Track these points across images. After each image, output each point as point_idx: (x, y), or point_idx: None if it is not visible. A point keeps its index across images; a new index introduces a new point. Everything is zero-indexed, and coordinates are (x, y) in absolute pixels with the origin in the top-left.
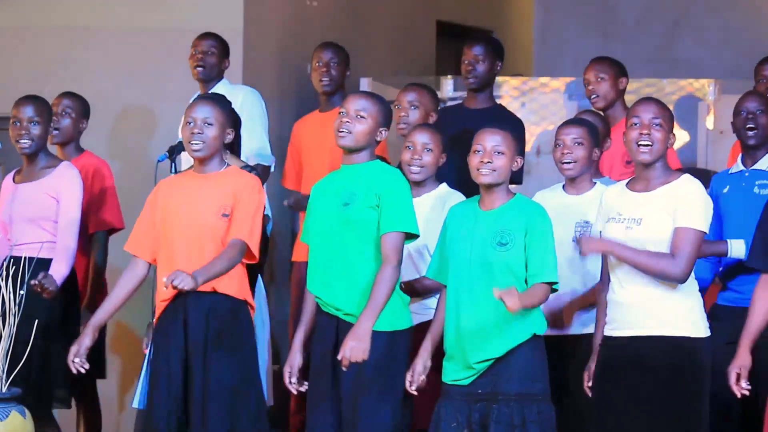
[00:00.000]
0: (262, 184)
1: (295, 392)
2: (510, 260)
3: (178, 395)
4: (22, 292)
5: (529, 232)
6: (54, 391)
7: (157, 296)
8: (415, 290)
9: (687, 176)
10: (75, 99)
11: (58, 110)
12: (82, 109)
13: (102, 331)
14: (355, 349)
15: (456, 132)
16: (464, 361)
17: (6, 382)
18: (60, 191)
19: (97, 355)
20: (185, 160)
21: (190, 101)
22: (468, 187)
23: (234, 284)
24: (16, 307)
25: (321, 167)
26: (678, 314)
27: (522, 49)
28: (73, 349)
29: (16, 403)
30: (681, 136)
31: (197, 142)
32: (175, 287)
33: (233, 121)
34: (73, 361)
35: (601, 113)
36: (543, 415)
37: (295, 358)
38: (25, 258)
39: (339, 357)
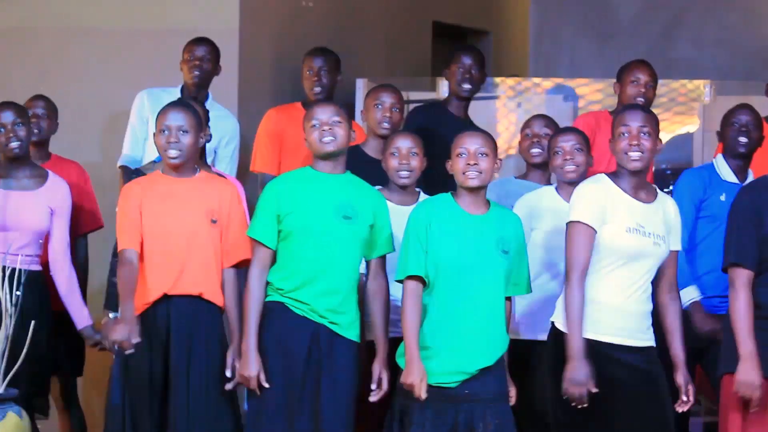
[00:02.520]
0: None
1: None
2: (508, 268)
3: (158, 397)
4: (18, 293)
5: (518, 242)
6: (36, 398)
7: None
8: None
9: (660, 191)
10: (47, 101)
11: (38, 112)
12: (54, 111)
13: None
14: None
15: (430, 133)
16: (456, 364)
17: (2, 383)
18: (56, 207)
19: (77, 352)
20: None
21: (164, 106)
22: (435, 189)
23: (218, 290)
24: (13, 308)
25: (297, 161)
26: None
27: (518, 50)
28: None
29: (13, 403)
30: (676, 138)
31: (174, 150)
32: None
33: (205, 121)
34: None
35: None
36: (510, 414)
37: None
38: (19, 270)
39: (373, 386)
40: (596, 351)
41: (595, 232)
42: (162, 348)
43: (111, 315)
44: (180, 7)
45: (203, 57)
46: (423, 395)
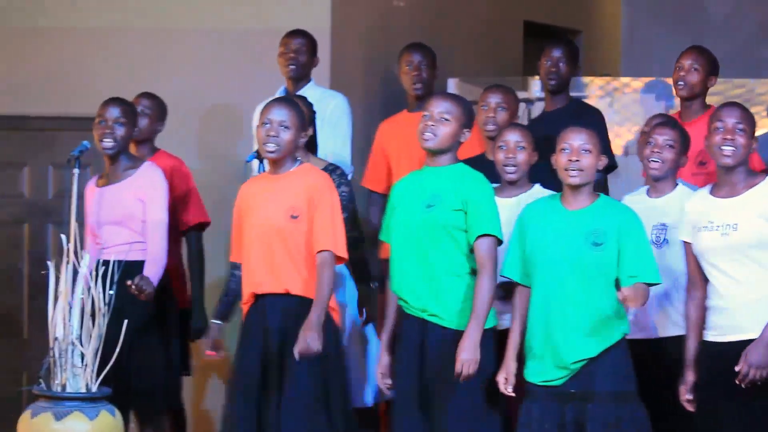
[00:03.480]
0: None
1: (387, 392)
2: (604, 260)
3: (255, 398)
4: (111, 292)
5: (623, 233)
6: (159, 392)
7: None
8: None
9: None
10: (153, 99)
11: (136, 109)
12: (160, 110)
13: (186, 328)
14: (467, 362)
15: (541, 137)
16: (556, 361)
17: (96, 382)
18: (145, 192)
19: (184, 353)
20: None
21: (269, 100)
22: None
23: (308, 285)
24: (106, 307)
25: (411, 168)
26: None
27: (609, 49)
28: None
29: (106, 402)
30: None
31: (272, 144)
32: (302, 353)
33: (310, 121)
34: None
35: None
36: (636, 413)
37: (384, 359)
38: (113, 261)
39: (456, 373)
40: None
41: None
42: (258, 346)
43: (216, 322)
44: (271, 7)
45: (298, 49)
46: (507, 391)
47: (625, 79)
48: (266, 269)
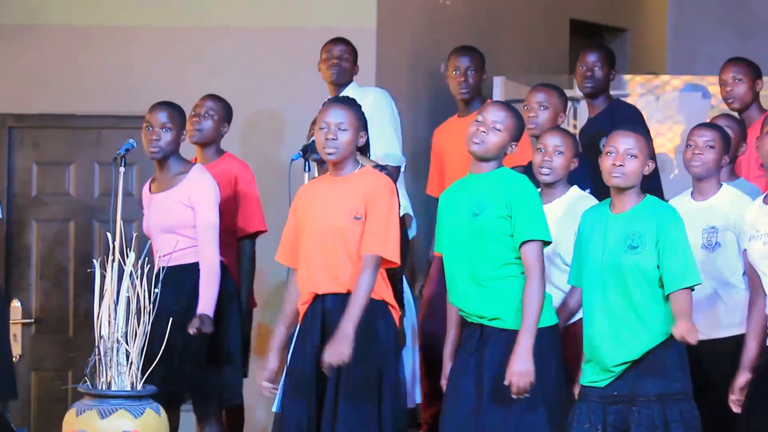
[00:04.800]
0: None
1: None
2: (641, 263)
3: (312, 397)
4: (156, 290)
5: (662, 235)
6: (218, 390)
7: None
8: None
9: None
10: (219, 102)
11: (201, 111)
12: (225, 112)
13: (247, 329)
14: (518, 375)
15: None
16: (600, 364)
17: (141, 380)
18: (193, 198)
19: (243, 354)
20: None
21: (322, 105)
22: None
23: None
24: (151, 306)
25: (463, 173)
26: None
27: (655, 48)
28: (264, 375)
29: (151, 400)
30: None
31: (331, 147)
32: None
33: (365, 123)
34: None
35: (738, 116)
36: (685, 414)
37: (446, 368)
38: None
39: (506, 382)
40: None
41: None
42: (315, 346)
43: None
44: (318, 7)
45: (341, 56)
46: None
47: (667, 78)
48: (328, 270)
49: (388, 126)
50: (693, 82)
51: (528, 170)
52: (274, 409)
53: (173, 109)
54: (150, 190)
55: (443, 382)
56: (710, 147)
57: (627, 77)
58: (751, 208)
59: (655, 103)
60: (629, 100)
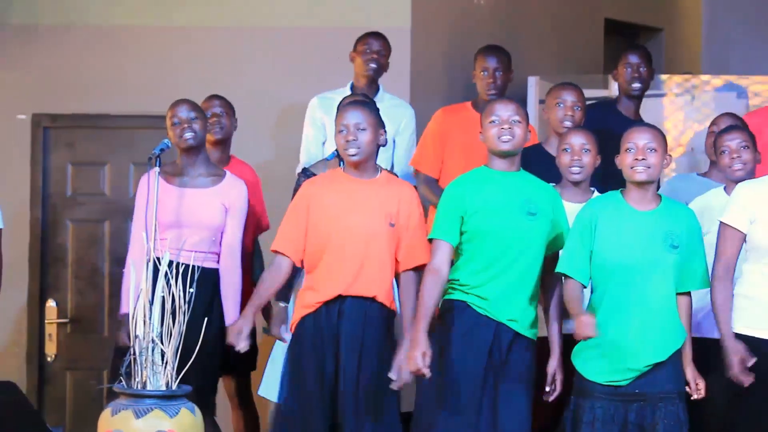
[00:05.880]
0: None
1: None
2: (679, 263)
3: (330, 395)
4: (191, 290)
5: (693, 237)
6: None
7: (300, 296)
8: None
9: None
10: (223, 99)
11: (216, 111)
12: (232, 108)
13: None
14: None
15: (601, 133)
16: (626, 363)
17: (176, 380)
18: (230, 205)
19: (251, 349)
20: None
21: (343, 103)
22: (608, 186)
23: (389, 294)
24: (186, 305)
25: (465, 166)
26: None
27: (690, 47)
28: (235, 336)
29: (186, 400)
30: None
31: (353, 147)
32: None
33: (382, 121)
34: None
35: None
36: (679, 415)
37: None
38: (192, 266)
39: (548, 388)
40: (755, 347)
41: (744, 234)
42: (332, 348)
43: (281, 304)
44: (352, 7)
45: (379, 51)
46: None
47: (704, 77)
48: (358, 273)
49: (413, 149)
50: (731, 81)
51: (535, 151)
52: (261, 393)
53: (193, 103)
54: (167, 182)
55: (420, 360)
56: (745, 147)
57: (664, 77)
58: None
59: (692, 103)
60: (665, 101)
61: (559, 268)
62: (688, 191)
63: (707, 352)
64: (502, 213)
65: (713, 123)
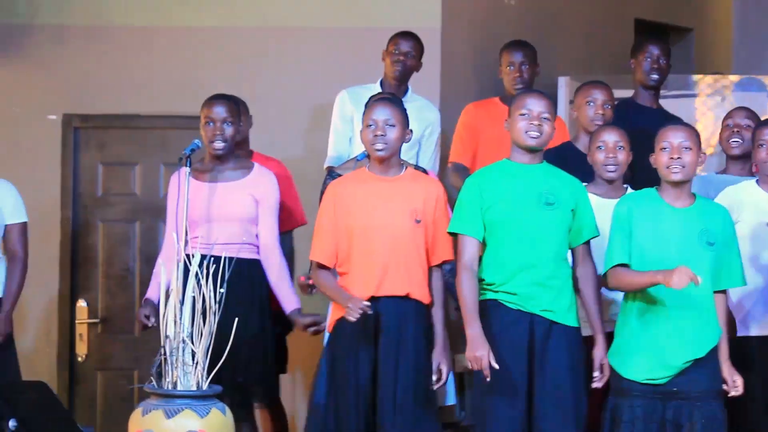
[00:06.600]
0: None
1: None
2: (714, 260)
3: (367, 396)
4: (222, 290)
5: (727, 235)
6: (254, 389)
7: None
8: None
9: None
10: (231, 104)
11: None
12: (245, 108)
13: (286, 326)
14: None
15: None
16: (664, 360)
17: (207, 380)
18: (260, 197)
19: (282, 350)
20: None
21: (372, 99)
22: (638, 183)
23: (423, 289)
24: (217, 305)
25: (495, 154)
26: None
27: (721, 47)
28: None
29: (217, 400)
30: None
31: (381, 143)
32: (474, 358)
33: (408, 119)
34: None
35: None
36: (718, 413)
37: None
38: (225, 258)
39: (596, 374)
40: None
41: None
42: (370, 348)
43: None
44: (382, 6)
45: (407, 52)
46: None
47: (734, 77)
48: (388, 271)
49: (437, 152)
50: (762, 81)
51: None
52: (315, 400)
53: (232, 102)
54: (196, 179)
55: (485, 360)
56: None
57: (695, 78)
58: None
59: (722, 103)
60: (697, 101)
61: (607, 266)
62: (707, 193)
63: (747, 351)
64: (518, 203)
65: (728, 116)
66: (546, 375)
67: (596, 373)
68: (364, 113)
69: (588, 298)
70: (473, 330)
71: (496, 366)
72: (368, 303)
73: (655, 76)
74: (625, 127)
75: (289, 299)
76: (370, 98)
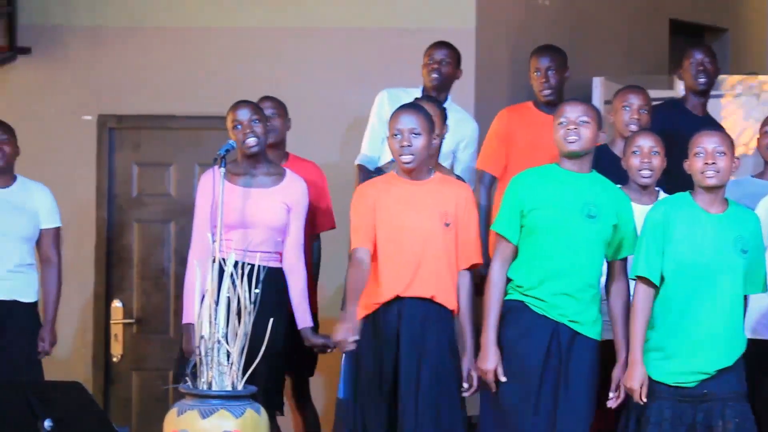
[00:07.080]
0: None
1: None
2: (747, 267)
3: (390, 393)
4: (257, 290)
5: (757, 242)
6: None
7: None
8: None
9: None
10: (275, 100)
11: (267, 113)
12: (284, 108)
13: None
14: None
15: (670, 133)
16: (695, 365)
17: (242, 380)
18: (292, 204)
19: (311, 352)
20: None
21: (391, 114)
22: (676, 188)
23: (449, 294)
24: (252, 305)
25: (529, 164)
26: None
27: (756, 48)
28: (345, 335)
29: (252, 400)
30: None
31: (408, 153)
32: (481, 371)
33: (443, 119)
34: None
35: None
36: (749, 414)
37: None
38: (258, 265)
39: (612, 394)
40: None
41: None
42: (392, 349)
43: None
44: (417, 8)
45: (442, 60)
46: (643, 399)
47: (762, 77)
48: (415, 273)
49: (472, 164)
50: None
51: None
52: (339, 395)
53: (253, 103)
54: (231, 182)
55: (490, 375)
56: None
57: (732, 77)
58: None
59: (756, 102)
60: (727, 101)
61: (634, 273)
62: (742, 195)
63: (765, 354)
64: (559, 212)
65: (765, 122)
66: (563, 386)
67: (612, 394)
68: (389, 120)
69: (616, 315)
70: (488, 338)
71: (504, 379)
72: (353, 339)
73: (702, 80)
74: (667, 128)
75: (304, 318)
76: (396, 108)
